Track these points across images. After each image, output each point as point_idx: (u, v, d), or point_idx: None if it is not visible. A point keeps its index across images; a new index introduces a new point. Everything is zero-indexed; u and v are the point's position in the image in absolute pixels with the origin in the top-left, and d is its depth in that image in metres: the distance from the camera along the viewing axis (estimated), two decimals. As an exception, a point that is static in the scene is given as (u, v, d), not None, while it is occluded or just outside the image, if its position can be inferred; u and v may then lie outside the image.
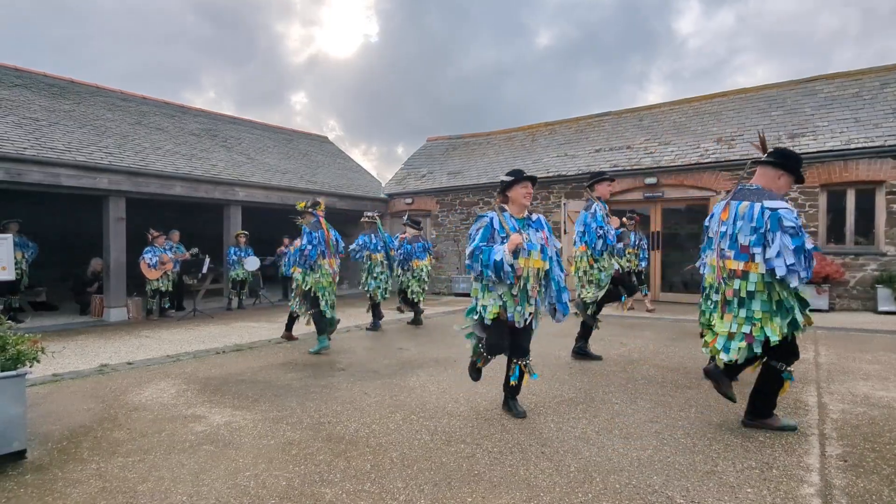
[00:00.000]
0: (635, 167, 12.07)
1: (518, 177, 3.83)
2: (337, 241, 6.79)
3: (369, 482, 2.87)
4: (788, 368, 3.46)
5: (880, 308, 9.33)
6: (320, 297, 6.46)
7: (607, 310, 10.28)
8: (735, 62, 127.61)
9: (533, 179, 3.89)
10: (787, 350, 3.43)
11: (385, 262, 8.29)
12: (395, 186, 16.50)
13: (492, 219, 3.81)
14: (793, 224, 3.22)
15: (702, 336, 3.81)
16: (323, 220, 6.62)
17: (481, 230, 3.79)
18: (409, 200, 15.90)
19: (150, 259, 9.97)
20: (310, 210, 6.66)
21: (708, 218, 3.84)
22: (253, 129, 16.63)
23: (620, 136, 13.59)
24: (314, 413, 4.09)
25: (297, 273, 6.59)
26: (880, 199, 9.75)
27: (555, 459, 3.14)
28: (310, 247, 6.40)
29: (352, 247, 8.21)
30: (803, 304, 3.40)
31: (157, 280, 10.06)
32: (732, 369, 3.63)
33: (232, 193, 11.98)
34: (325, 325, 6.54)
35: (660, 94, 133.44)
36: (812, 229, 10.05)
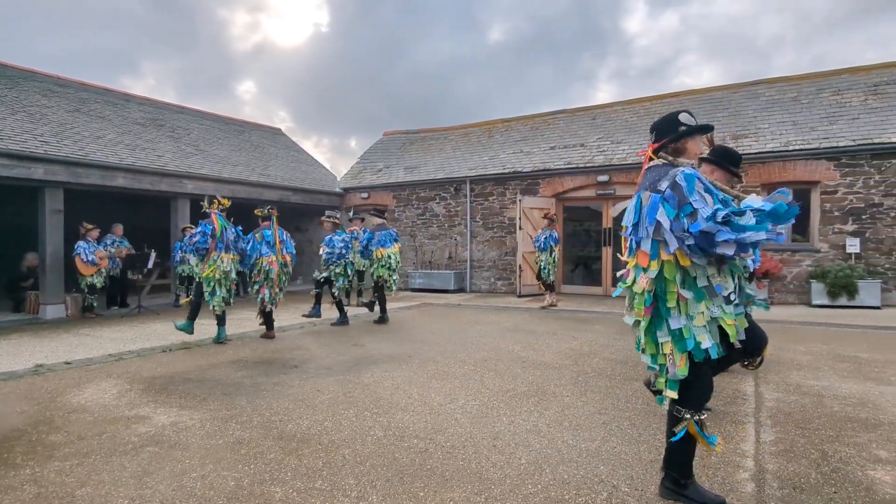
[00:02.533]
0: (588, 165, 12.33)
1: (702, 127, 2.67)
2: (238, 235, 6.96)
3: (321, 479, 2.84)
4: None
5: (814, 301, 9.88)
6: (205, 286, 6.67)
7: (563, 304, 10.52)
8: (679, 63, 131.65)
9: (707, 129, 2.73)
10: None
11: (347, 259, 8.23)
12: (351, 181, 16.30)
13: (698, 177, 2.44)
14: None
15: None
16: (214, 216, 6.78)
17: (697, 190, 2.37)
18: (364, 195, 15.75)
19: (85, 255, 9.50)
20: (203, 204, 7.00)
21: None
22: (202, 119, 16.09)
23: (574, 133, 13.85)
24: (265, 411, 4.01)
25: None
26: (815, 199, 10.31)
27: (506, 452, 3.19)
28: (199, 237, 6.61)
29: (327, 251, 8.06)
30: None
31: (91, 276, 9.61)
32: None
33: (180, 186, 11.57)
34: (195, 312, 6.75)
35: (607, 91, 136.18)
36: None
